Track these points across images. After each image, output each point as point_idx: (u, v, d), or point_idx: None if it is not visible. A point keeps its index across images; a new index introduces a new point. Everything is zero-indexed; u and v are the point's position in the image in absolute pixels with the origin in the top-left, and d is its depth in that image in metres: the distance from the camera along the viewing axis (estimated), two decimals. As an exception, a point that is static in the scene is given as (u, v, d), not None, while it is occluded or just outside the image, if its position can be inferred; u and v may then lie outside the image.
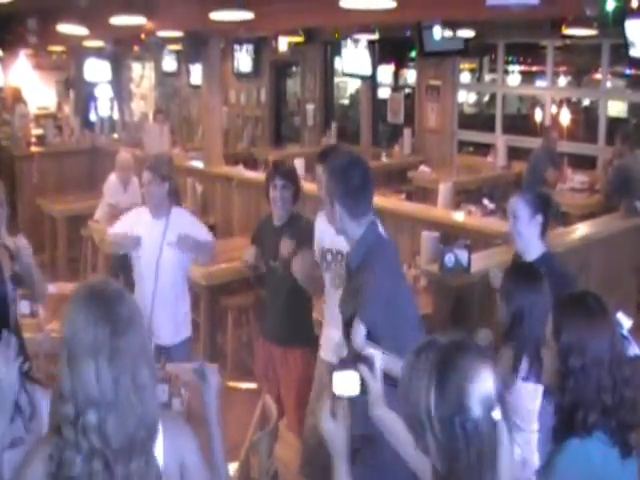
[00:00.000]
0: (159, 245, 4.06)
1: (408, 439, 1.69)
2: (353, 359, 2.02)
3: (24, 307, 3.77)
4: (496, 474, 1.34)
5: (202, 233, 4.27)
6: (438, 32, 6.84)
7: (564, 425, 1.88)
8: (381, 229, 2.80)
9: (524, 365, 2.69)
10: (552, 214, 3.27)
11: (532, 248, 3.09)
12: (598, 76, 8.42)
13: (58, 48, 11.53)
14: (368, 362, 1.92)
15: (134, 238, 4.07)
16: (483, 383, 1.35)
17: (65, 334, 1.57)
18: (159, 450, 1.62)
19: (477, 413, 1.34)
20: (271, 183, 3.79)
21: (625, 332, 1.98)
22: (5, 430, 1.76)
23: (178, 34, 8.04)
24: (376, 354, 1.96)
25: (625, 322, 1.99)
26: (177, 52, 12.42)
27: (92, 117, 12.08)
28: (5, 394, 1.79)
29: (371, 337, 2.51)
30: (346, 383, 1.82)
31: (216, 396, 2.08)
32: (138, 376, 1.56)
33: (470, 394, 1.34)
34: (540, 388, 2.60)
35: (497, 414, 1.34)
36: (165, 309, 4.05)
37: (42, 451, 1.56)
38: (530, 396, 2.71)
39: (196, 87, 11.44)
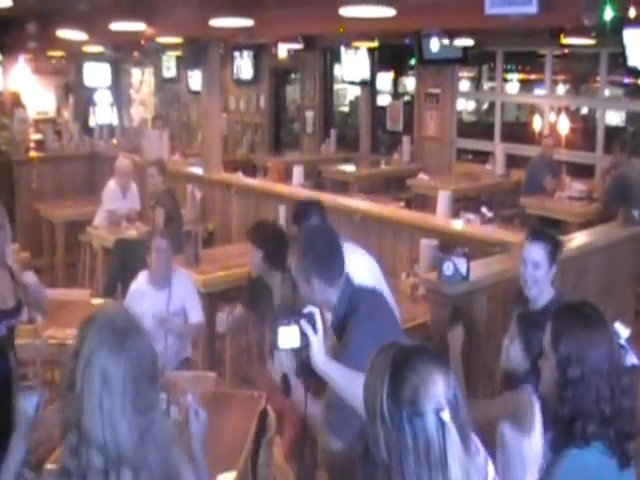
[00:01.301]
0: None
1: (355, 389, 1.72)
2: (295, 316, 2.12)
3: (22, 314, 3.77)
4: (447, 474, 1.36)
5: (195, 313, 4.24)
6: (437, 41, 6.88)
7: (563, 435, 1.88)
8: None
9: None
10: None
11: (545, 293, 3.09)
12: (596, 85, 8.46)
13: (58, 53, 11.54)
14: (309, 318, 2.08)
15: None
16: (435, 385, 1.41)
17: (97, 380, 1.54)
18: None
19: (426, 411, 1.39)
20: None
21: (623, 341, 1.99)
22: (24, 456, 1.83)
23: (178, 40, 8.06)
24: (316, 311, 2.10)
25: (623, 331, 2.00)
26: (177, 58, 12.45)
27: (91, 122, 12.08)
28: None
29: None
30: (289, 337, 2.04)
31: (204, 431, 2.08)
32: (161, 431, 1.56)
33: (421, 392, 1.39)
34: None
35: (446, 415, 1.38)
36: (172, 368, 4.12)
37: None
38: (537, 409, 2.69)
39: (196, 93, 11.47)
